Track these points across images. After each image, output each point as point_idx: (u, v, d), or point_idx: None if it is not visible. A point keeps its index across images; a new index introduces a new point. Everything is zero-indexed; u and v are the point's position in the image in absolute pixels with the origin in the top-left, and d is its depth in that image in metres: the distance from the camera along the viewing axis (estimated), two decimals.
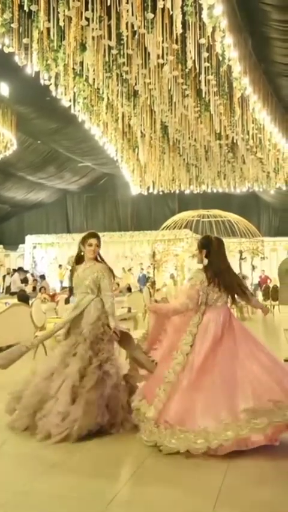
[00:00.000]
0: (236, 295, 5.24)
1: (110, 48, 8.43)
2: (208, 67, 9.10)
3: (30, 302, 11.39)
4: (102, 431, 4.88)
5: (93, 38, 8.08)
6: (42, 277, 22.06)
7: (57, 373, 5.07)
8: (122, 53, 8.57)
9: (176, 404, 4.54)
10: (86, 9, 7.26)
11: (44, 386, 5.04)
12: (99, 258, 5.56)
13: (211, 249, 5.19)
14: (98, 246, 5.51)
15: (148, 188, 18.66)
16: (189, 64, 8.53)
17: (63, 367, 5.08)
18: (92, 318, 5.27)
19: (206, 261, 5.17)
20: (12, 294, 16.68)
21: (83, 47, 8.29)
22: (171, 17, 7.48)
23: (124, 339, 5.29)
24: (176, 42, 8.28)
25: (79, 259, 5.59)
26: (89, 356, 5.08)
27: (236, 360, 4.73)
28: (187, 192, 19.71)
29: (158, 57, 8.56)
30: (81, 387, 4.91)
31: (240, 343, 4.88)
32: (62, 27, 7.69)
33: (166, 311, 5.23)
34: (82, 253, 5.54)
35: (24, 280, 20.08)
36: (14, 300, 12.72)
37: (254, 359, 4.76)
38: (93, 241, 5.48)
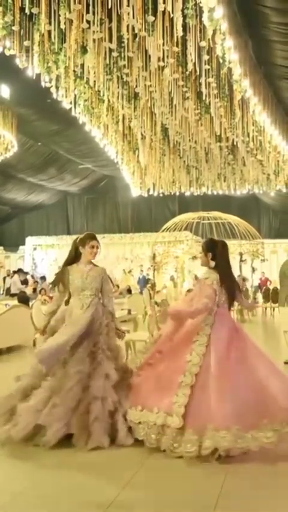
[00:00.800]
0: (235, 298, 5.31)
1: (110, 50, 8.43)
2: (208, 69, 9.10)
3: (30, 304, 11.41)
4: None
5: (94, 40, 8.08)
6: (43, 278, 22.07)
7: (95, 373, 5.02)
8: (122, 55, 8.56)
9: (219, 406, 4.44)
10: (87, 12, 7.25)
11: (79, 389, 4.89)
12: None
13: (217, 252, 5.24)
14: (99, 248, 5.52)
15: (148, 190, 18.66)
16: (190, 66, 8.55)
17: (97, 365, 5.07)
18: (104, 319, 5.33)
19: (213, 264, 5.21)
20: (13, 295, 16.68)
21: (83, 49, 8.30)
22: (171, 20, 7.48)
23: None
24: (177, 45, 8.28)
25: (73, 260, 5.54)
26: (114, 355, 5.21)
27: (249, 361, 4.81)
28: (187, 193, 19.70)
29: (159, 59, 8.57)
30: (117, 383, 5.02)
31: (248, 345, 4.96)
32: (63, 30, 7.70)
33: (186, 315, 5.23)
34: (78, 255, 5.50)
35: (25, 282, 20.09)
36: (15, 301, 12.73)
37: (262, 362, 4.84)
38: (95, 243, 5.47)
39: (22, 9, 7.27)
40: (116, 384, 4.98)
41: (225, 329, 4.98)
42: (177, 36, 7.75)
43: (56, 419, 4.70)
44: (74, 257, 5.50)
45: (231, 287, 5.18)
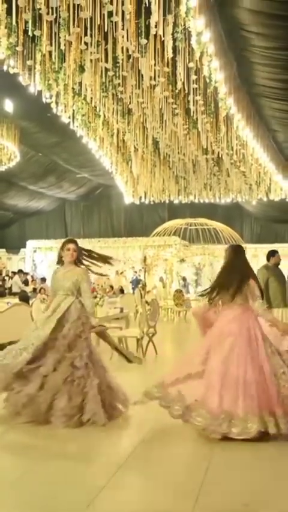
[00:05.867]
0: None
1: (106, 70, 8.50)
2: (196, 88, 9.18)
3: (30, 302, 11.40)
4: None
5: (91, 60, 8.13)
6: (43, 279, 22.02)
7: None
8: (117, 74, 8.63)
9: None
10: (85, 34, 7.29)
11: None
12: (78, 263, 5.65)
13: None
14: (76, 250, 5.58)
15: (140, 198, 18.71)
16: (179, 85, 8.59)
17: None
18: (72, 317, 5.35)
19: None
20: (14, 294, 16.64)
21: (81, 68, 8.33)
22: (162, 43, 7.54)
23: (103, 334, 5.72)
24: (167, 66, 8.34)
25: (59, 262, 5.70)
26: (63, 350, 5.19)
27: None
28: (176, 201, 19.78)
29: (151, 79, 8.62)
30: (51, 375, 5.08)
31: None
32: (63, 51, 7.74)
33: None
34: (62, 258, 5.62)
35: (25, 282, 20.06)
36: (16, 300, 12.71)
37: None
38: (70, 246, 5.57)
39: (25, 31, 7.30)
40: (45, 376, 5.03)
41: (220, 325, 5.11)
42: (167, 58, 7.80)
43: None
44: (59, 260, 5.68)
45: None
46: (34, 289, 17.99)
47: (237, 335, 4.84)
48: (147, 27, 7.16)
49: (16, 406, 4.98)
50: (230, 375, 4.61)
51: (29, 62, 8.26)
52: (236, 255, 5.31)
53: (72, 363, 5.08)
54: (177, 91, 9.39)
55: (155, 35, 7.40)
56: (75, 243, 5.64)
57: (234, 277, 5.11)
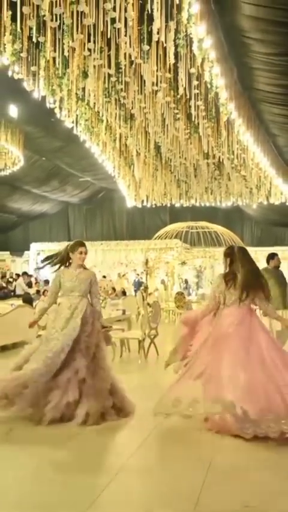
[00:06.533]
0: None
1: (109, 75, 8.51)
2: (197, 93, 9.20)
3: (34, 304, 11.40)
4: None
5: (94, 66, 8.15)
6: (47, 282, 22.02)
7: (66, 365, 5.07)
8: (120, 80, 8.64)
9: None
10: (89, 40, 7.31)
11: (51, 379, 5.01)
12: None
13: (233, 258, 5.28)
14: (86, 253, 5.56)
15: (142, 202, 18.70)
16: (181, 90, 8.59)
17: (70, 359, 5.10)
18: (90, 318, 5.31)
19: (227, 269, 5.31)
20: (18, 296, 16.64)
21: (85, 74, 8.34)
22: (164, 49, 7.57)
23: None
24: (169, 71, 8.36)
25: (63, 262, 5.63)
26: (93, 352, 5.16)
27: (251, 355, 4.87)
28: (177, 205, 19.78)
29: (153, 84, 8.63)
30: (89, 379, 5.00)
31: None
32: (67, 57, 7.75)
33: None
34: (70, 260, 5.56)
35: (29, 284, 20.04)
36: (19, 302, 12.71)
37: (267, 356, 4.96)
38: (83, 249, 5.53)
39: (30, 37, 7.32)
40: (83, 381, 4.96)
41: (226, 325, 4.97)
42: (169, 64, 7.82)
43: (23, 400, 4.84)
44: (65, 259, 5.60)
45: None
46: (38, 291, 17.99)
47: (257, 336, 4.82)
48: (150, 33, 7.18)
49: (54, 416, 4.82)
50: (273, 375, 4.56)
51: (33, 68, 8.28)
52: (247, 256, 5.29)
53: (103, 365, 5.12)
54: (178, 96, 9.40)
55: (157, 42, 7.43)
56: (86, 246, 5.63)
57: (261, 278, 5.18)
